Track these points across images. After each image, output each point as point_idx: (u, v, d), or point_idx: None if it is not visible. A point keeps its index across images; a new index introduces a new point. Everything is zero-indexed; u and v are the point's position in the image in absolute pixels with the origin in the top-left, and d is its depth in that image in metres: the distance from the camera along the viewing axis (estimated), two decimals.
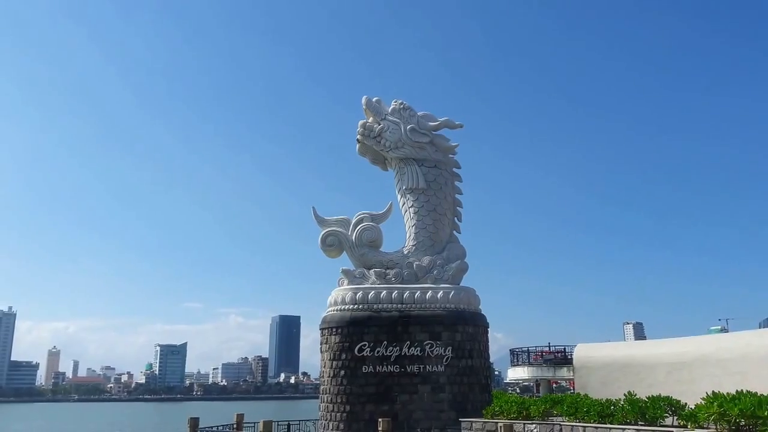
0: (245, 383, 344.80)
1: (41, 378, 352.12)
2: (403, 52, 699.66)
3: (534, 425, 19.47)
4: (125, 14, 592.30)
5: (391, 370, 25.39)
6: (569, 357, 40.44)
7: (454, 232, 29.07)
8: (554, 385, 50.53)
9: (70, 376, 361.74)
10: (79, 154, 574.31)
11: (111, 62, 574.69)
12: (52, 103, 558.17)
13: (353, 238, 28.49)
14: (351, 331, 26.10)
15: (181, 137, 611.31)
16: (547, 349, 46.03)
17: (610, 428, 17.65)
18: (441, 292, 26.61)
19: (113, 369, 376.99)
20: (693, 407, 16.96)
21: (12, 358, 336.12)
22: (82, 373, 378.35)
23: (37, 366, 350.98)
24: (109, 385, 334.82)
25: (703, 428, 15.97)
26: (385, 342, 25.62)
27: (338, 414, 25.49)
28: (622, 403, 18.74)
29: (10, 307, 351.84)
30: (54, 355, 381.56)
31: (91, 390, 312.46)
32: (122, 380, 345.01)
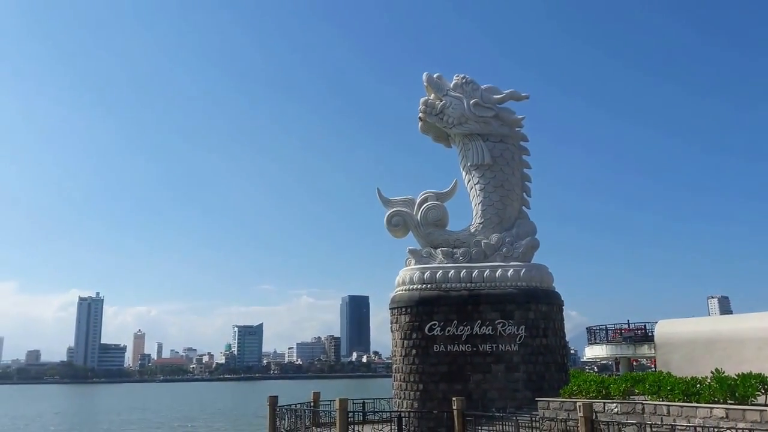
0: (319, 362, 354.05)
1: (129, 360, 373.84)
2: (461, 28, 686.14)
3: (615, 404, 18.77)
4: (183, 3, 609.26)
5: (463, 349, 25.05)
6: (650, 334, 39.02)
7: (524, 208, 28.15)
8: (634, 364, 48.91)
9: (155, 358, 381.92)
10: (151, 147, 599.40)
11: (177, 57, 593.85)
12: (139, 100, 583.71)
13: (418, 217, 28.14)
14: (420, 311, 25.93)
15: (246, 126, 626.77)
16: (626, 326, 44.52)
17: (697, 407, 16.75)
18: (511, 270, 25.96)
19: (195, 350, 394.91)
20: None
21: (101, 342, 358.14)
22: (165, 354, 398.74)
23: (124, 348, 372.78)
24: (191, 366, 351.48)
25: None
26: (456, 321, 25.29)
27: (412, 392, 25.50)
28: (709, 380, 17.77)
29: (98, 293, 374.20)
30: (139, 338, 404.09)
31: (175, 370, 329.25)
32: (203, 361, 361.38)
